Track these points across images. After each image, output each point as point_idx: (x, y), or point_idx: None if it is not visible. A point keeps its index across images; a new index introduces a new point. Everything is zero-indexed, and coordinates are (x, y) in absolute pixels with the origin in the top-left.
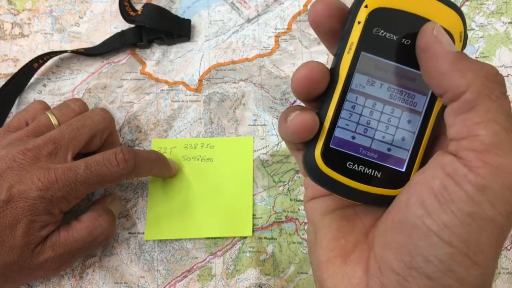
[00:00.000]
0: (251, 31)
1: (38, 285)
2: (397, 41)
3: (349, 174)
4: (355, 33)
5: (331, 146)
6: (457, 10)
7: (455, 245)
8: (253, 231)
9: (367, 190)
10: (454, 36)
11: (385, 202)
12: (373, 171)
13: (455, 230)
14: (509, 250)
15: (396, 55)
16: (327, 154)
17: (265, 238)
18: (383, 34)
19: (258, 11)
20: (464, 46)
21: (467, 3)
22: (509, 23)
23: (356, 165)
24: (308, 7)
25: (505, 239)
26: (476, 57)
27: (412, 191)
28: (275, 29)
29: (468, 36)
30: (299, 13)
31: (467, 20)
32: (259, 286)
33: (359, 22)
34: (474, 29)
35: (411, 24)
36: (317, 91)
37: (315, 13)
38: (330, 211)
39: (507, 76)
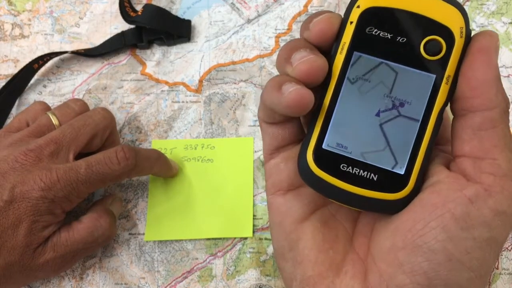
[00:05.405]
0: (251, 32)
1: (38, 286)
2: (392, 39)
3: (343, 176)
4: (347, 33)
5: (323, 147)
6: (456, 4)
7: (474, 269)
8: (254, 231)
9: (363, 194)
10: (453, 32)
11: (383, 207)
12: (369, 173)
13: (475, 255)
14: (509, 250)
15: (390, 53)
16: (319, 155)
17: (266, 238)
18: (376, 33)
19: (258, 11)
20: (467, 43)
21: (467, 3)
22: (510, 23)
23: (350, 167)
24: (309, 8)
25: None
26: None
27: (430, 213)
28: (276, 29)
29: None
30: (299, 14)
31: None
32: (259, 287)
33: (351, 22)
34: (474, 30)
35: (406, 22)
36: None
37: (319, 33)
38: (306, 217)
39: (508, 76)
